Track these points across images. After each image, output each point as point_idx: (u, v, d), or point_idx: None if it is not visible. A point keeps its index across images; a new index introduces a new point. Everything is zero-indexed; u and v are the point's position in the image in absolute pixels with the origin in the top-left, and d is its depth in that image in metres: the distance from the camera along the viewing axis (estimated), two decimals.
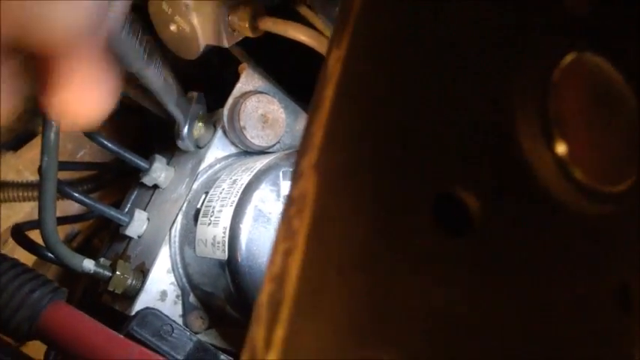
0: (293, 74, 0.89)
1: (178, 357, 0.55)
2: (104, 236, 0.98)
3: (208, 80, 1.00)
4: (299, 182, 0.22)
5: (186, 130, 0.75)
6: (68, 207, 0.94)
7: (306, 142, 0.23)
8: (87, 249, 1.01)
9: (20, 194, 0.91)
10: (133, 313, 0.65)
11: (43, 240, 0.66)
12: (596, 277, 0.24)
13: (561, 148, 0.22)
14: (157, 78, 0.64)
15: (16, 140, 0.96)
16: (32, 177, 0.94)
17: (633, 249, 0.26)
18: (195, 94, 0.78)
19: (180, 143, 0.77)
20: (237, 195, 0.65)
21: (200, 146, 0.79)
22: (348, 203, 0.21)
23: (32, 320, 0.48)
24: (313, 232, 0.21)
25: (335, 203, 0.21)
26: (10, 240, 0.89)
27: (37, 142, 0.96)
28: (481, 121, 0.22)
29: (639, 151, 0.24)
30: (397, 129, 0.21)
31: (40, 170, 0.68)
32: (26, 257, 0.77)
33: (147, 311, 0.58)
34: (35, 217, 0.90)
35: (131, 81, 0.86)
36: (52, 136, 0.67)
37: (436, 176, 0.21)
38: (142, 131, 1.00)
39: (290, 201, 0.22)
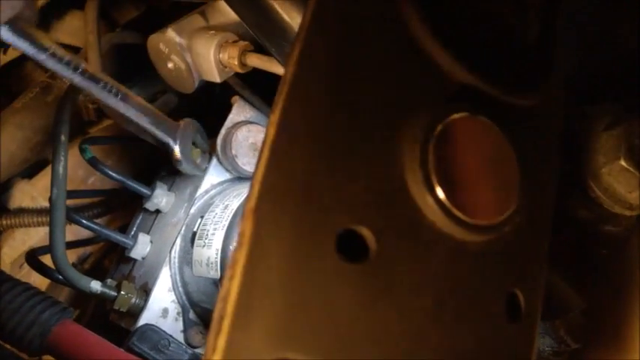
0: None
1: None
2: (113, 257, 1.04)
3: (212, 107, 1.07)
4: (242, 223, 0.28)
5: (177, 150, 0.80)
6: (80, 230, 1.00)
7: (250, 191, 0.29)
8: (98, 269, 1.07)
9: (35, 220, 0.96)
10: None
11: (54, 264, 0.72)
12: (485, 291, 0.30)
13: (440, 193, 0.28)
14: (126, 109, 0.71)
15: (30, 168, 1.02)
16: (46, 203, 0.99)
17: (519, 263, 0.31)
18: (186, 120, 0.84)
19: (178, 166, 0.81)
20: (227, 219, 0.71)
21: (198, 173, 0.85)
22: (273, 238, 0.27)
23: (43, 337, 0.54)
24: (248, 262, 0.27)
25: (263, 239, 0.27)
26: (27, 264, 0.95)
27: (49, 170, 1.02)
28: (377, 172, 0.28)
29: (518, 188, 0.30)
30: (309, 187, 0.27)
31: (50, 201, 0.75)
32: (42, 279, 0.83)
33: (146, 327, 0.64)
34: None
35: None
36: (61, 169, 0.74)
37: (339, 217, 0.27)
38: (149, 159, 1.05)
39: (237, 237, 0.29)
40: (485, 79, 0.31)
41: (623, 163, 0.41)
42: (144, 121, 0.75)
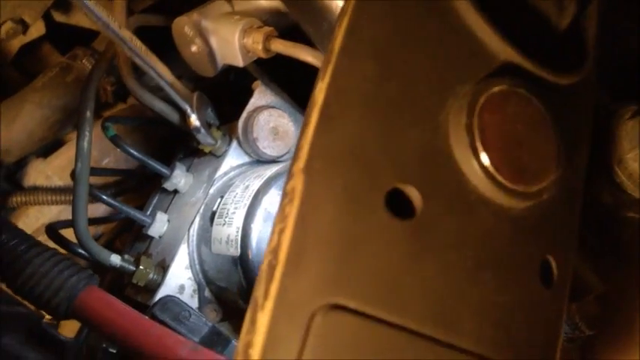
0: (303, 89, 0.96)
1: (195, 339, 0.62)
2: (125, 238, 1.05)
3: (225, 94, 1.08)
4: (290, 181, 0.30)
5: (194, 117, 0.81)
6: (93, 210, 1.02)
7: (297, 152, 0.30)
8: (110, 250, 1.09)
9: (49, 198, 0.98)
10: None
11: (77, 237, 0.74)
12: (521, 255, 0.31)
13: (485, 159, 0.29)
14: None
15: (45, 148, 1.04)
16: (60, 182, 1.00)
17: (553, 232, 0.33)
18: (198, 92, 0.85)
19: (196, 133, 0.82)
20: (249, 199, 0.73)
21: (217, 155, 0.87)
22: (323, 194, 0.28)
23: (70, 301, 0.56)
24: (299, 216, 0.28)
25: (315, 195, 0.28)
26: (40, 239, 0.97)
27: (65, 149, 1.03)
28: (424, 137, 0.30)
29: (556, 159, 0.31)
30: (360, 147, 0.29)
31: (73, 175, 0.76)
32: None
33: (167, 298, 0.66)
34: (62, 218, 0.97)
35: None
36: (85, 145, 0.75)
37: (388, 176, 0.28)
38: (165, 141, 1.07)
39: (284, 194, 0.30)
40: (526, 58, 0.33)
41: None
42: (164, 83, 0.76)
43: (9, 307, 0.52)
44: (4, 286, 0.56)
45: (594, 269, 0.48)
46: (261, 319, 0.26)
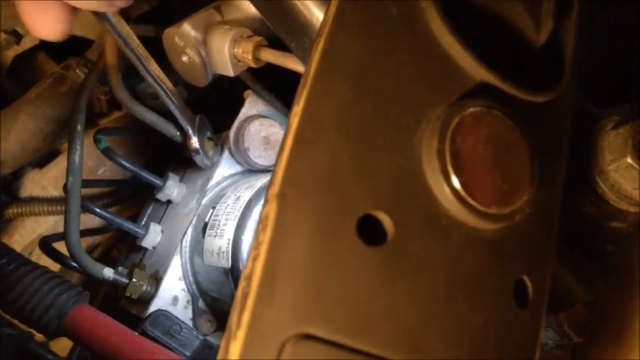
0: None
1: (186, 353, 0.62)
2: (122, 247, 1.06)
3: (220, 102, 1.08)
4: (265, 207, 0.30)
5: (195, 140, 0.82)
6: (89, 220, 1.02)
7: (272, 177, 0.30)
8: (106, 259, 1.09)
9: (45, 209, 0.98)
10: None
11: (68, 251, 0.74)
12: (495, 276, 0.31)
13: (456, 182, 0.29)
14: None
15: (41, 158, 1.04)
16: (56, 192, 1.00)
17: (528, 251, 0.33)
18: (200, 115, 0.86)
19: (194, 156, 0.83)
20: (239, 210, 0.73)
21: (209, 164, 0.87)
22: (296, 221, 0.28)
23: (60, 319, 0.56)
24: (272, 243, 0.28)
25: (287, 222, 0.28)
26: (37, 251, 0.97)
27: (60, 159, 1.04)
28: (397, 161, 0.30)
29: (529, 180, 0.31)
30: (333, 173, 0.29)
31: (65, 188, 0.76)
32: (51, 265, 0.85)
33: (159, 312, 0.66)
34: (58, 229, 0.98)
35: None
36: (77, 158, 0.76)
37: (360, 203, 0.29)
38: (158, 150, 1.07)
39: (259, 220, 0.30)
40: (500, 78, 0.33)
41: (629, 160, 0.43)
42: (169, 103, 0.77)
43: None
44: None
45: (580, 279, 0.48)
46: (233, 348, 0.27)
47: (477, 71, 0.32)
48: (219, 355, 0.28)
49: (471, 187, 0.29)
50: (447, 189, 0.29)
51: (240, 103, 0.92)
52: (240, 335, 0.27)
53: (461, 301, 0.29)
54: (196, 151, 0.82)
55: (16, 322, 0.57)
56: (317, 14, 0.46)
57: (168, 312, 0.67)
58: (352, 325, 0.27)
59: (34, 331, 0.57)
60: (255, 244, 0.29)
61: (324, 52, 0.33)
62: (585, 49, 0.43)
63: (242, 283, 0.29)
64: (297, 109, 0.32)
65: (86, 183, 0.93)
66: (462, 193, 0.29)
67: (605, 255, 0.48)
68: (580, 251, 0.48)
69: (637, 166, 0.43)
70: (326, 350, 0.26)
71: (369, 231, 0.28)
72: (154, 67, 0.75)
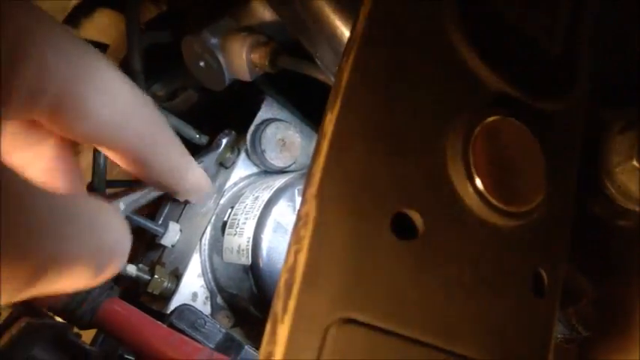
0: (309, 101, 1.00)
1: (210, 345, 0.65)
2: (137, 246, 1.09)
3: (230, 105, 1.11)
4: (304, 206, 0.33)
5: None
6: None
7: (309, 178, 0.34)
8: None
9: None
10: (169, 311, 0.76)
11: None
12: (515, 268, 0.34)
13: (479, 184, 0.32)
14: None
15: None
16: None
17: (544, 246, 0.36)
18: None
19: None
20: (259, 209, 0.76)
21: (226, 166, 0.90)
22: (335, 220, 0.31)
23: (93, 312, 0.59)
24: (313, 239, 0.31)
25: (327, 220, 0.31)
26: None
27: (81, 158, 1.07)
28: (425, 164, 0.33)
29: (545, 181, 0.34)
30: (367, 175, 0.32)
31: (90, 189, 0.80)
32: None
33: (184, 307, 0.69)
34: None
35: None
36: (102, 160, 0.79)
37: (393, 201, 0.32)
38: None
39: (298, 217, 0.33)
40: (516, 87, 0.36)
41: (635, 163, 0.46)
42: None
43: (38, 320, 0.55)
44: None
45: (586, 276, 0.51)
46: (281, 331, 0.30)
47: (496, 82, 0.35)
48: (265, 338, 0.31)
49: (492, 187, 0.33)
50: (470, 189, 0.32)
51: (254, 102, 0.95)
52: (287, 320, 0.30)
53: (484, 289, 0.32)
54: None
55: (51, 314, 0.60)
56: (340, 26, 0.49)
57: (193, 306, 0.70)
58: (389, 310, 0.30)
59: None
60: (297, 238, 0.32)
61: (354, 63, 0.36)
62: (594, 50, 0.46)
63: (284, 275, 0.32)
64: (332, 117, 0.35)
65: (108, 184, 0.97)
66: (485, 193, 0.32)
67: (611, 253, 0.51)
68: (587, 249, 0.51)
69: None
70: (366, 333, 0.29)
71: (402, 227, 0.31)
72: None
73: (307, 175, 0.34)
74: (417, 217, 0.32)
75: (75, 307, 0.58)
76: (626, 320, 0.57)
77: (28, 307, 0.56)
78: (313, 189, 0.33)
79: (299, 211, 0.33)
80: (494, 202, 0.32)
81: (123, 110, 0.37)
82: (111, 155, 0.40)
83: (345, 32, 0.49)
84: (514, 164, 0.34)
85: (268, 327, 0.31)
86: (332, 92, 0.36)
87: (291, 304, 0.30)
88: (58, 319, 0.61)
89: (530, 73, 0.37)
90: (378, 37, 0.37)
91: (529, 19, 0.39)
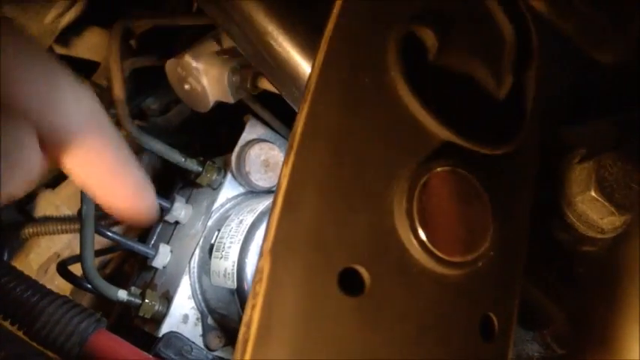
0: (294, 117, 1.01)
1: None
2: (133, 263, 1.10)
3: (223, 117, 1.12)
4: (261, 259, 0.35)
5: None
6: (101, 239, 1.06)
7: (266, 233, 0.35)
8: (118, 274, 1.14)
9: (59, 227, 1.02)
10: (161, 334, 0.78)
11: (85, 275, 0.79)
12: (462, 316, 0.35)
13: (423, 236, 0.34)
14: None
15: (54, 178, 1.08)
16: (69, 211, 1.04)
17: (493, 290, 0.37)
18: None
19: None
20: (242, 233, 0.78)
21: (213, 187, 0.92)
22: (286, 275, 0.33)
23: (81, 345, 0.61)
24: (266, 295, 0.33)
25: (279, 276, 0.33)
26: (51, 269, 1.01)
27: (72, 179, 1.08)
28: (373, 219, 0.34)
29: (490, 229, 0.36)
30: (316, 231, 0.33)
31: (79, 216, 0.81)
32: (65, 284, 0.89)
33: (170, 334, 0.71)
34: (72, 247, 1.02)
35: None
36: None
37: (340, 257, 0.33)
38: (163, 171, 1.11)
39: (256, 271, 0.35)
40: (462, 135, 0.37)
41: (593, 193, 0.47)
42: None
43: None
44: (21, 334, 0.61)
45: (553, 300, 0.52)
46: None
47: (442, 132, 0.37)
48: None
49: (437, 239, 0.34)
50: (415, 242, 0.34)
51: (241, 124, 0.96)
52: None
53: (431, 340, 0.34)
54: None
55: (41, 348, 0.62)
56: (302, 65, 0.51)
57: (180, 333, 0.72)
58: None
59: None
60: (253, 294, 0.34)
61: (307, 118, 0.37)
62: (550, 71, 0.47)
63: (242, 329, 0.34)
64: (286, 171, 0.36)
65: (99, 207, 0.98)
66: (429, 245, 0.34)
67: (578, 277, 0.53)
68: (554, 274, 0.53)
69: (600, 199, 0.47)
70: None
71: (350, 281, 0.33)
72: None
73: (266, 230, 0.35)
74: (363, 272, 0.33)
75: (63, 340, 0.60)
76: (600, 335, 0.58)
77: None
78: (268, 244, 0.35)
79: (257, 263, 0.35)
80: (437, 252, 0.34)
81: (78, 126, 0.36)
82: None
83: (306, 72, 0.50)
84: (459, 214, 0.35)
85: None
86: (288, 145, 0.38)
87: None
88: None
89: (475, 121, 0.39)
90: (328, 91, 0.38)
91: (474, 65, 0.40)
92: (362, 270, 0.33)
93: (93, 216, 0.81)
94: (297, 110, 0.51)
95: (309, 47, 0.50)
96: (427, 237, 0.34)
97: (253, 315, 0.33)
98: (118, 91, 0.82)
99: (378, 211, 0.35)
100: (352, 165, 0.36)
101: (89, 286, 0.81)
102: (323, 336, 0.32)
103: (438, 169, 0.35)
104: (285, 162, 0.37)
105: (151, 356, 0.62)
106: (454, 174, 0.35)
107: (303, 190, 0.35)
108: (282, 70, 0.51)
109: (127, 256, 1.14)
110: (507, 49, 0.42)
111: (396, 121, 0.37)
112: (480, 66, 0.41)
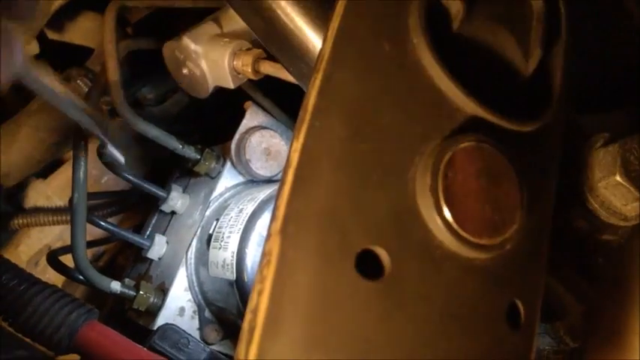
0: (298, 103, 0.98)
1: None
2: (128, 255, 1.07)
3: (222, 107, 1.09)
4: (268, 242, 0.32)
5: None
6: (95, 229, 1.03)
7: (274, 212, 0.32)
8: (112, 267, 1.10)
9: (50, 219, 0.99)
10: (155, 327, 0.75)
11: (76, 266, 0.75)
12: (488, 302, 0.33)
13: (448, 216, 0.31)
14: None
15: (45, 169, 1.05)
16: (61, 202, 1.01)
17: (520, 276, 0.34)
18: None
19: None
20: (242, 223, 0.75)
21: (212, 176, 0.88)
22: (298, 257, 0.30)
23: (71, 336, 0.58)
24: (276, 279, 0.30)
25: (290, 258, 0.30)
26: (43, 260, 0.98)
27: (63, 169, 1.05)
28: (393, 197, 0.31)
29: (519, 210, 0.33)
30: (332, 209, 0.30)
31: (70, 205, 0.78)
32: (57, 276, 0.87)
33: (166, 327, 0.68)
34: (64, 238, 0.99)
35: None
36: (81, 175, 0.77)
37: (358, 238, 0.30)
38: (161, 160, 1.08)
39: (263, 254, 0.32)
40: (490, 111, 0.34)
41: (618, 178, 0.44)
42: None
43: (8, 355, 0.54)
44: (6, 325, 0.58)
45: (572, 291, 0.50)
46: None
47: (468, 105, 0.34)
48: None
49: (463, 219, 0.31)
50: (439, 222, 0.31)
51: (241, 113, 0.93)
52: None
53: (455, 327, 0.31)
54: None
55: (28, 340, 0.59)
56: (312, 40, 0.48)
57: (176, 326, 0.69)
58: (354, 357, 0.29)
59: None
60: (260, 278, 0.31)
61: (320, 89, 0.34)
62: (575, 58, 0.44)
63: (248, 316, 0.31)
64: (297, 145, 0.33)
65: (91, 196, 0.95)
66: (454, 225, 0.31)
67: (596, 267, 0.50)
68: (572, 264, 0.50)
69: (625, 184, 0.44)
70: None
71: (368, 264, 0.30)
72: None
73: (273, 210, 0.32)
74: (383, 255, 0.30)
75: (51, 332, 0.57)
76: (614, 331, 0.55)
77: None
78: (277, 224, 0.32)
79: (264, 247, 0.32)
80: (463, 234, 0.31)
81: None
82: None
83: (317, 46, 0.47)
84: (486, 193, 0.32)
85: None
86: (299, 118, 0.35)
87: (252, 350, 0.29)
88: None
89: (503, 96, 0.36)
90: (345, 60, 0.35)
91: (502, 39, 0.37)
92: (381, 252, 0.30)
93: (84, 204, 0.78)
94: (305, 89, 0.48)
95: (319, 19, 0.47)
96: (452, 217, 0.31)
97: (261, 300, 0.30)
98: (113, 72, 0.79)
99: (399, 188, 0.32)
100: (371, 139, 0.33)
101: (81, 277, 0.78)
102: (339, 323, 0.29)
103: (465, 144, 0.32)
104: (295, 136, 0.34)
105: (144, 349, 0.59)
106: (481, 150, 0.33)
107: (316, 165, 0.32)
108: (290, 43, 0.48)
109: (121, 248, 1.12)
110: (536, 22, 0.39)
111: (418, 93, 0.34)
112: (507, 39, 0.38)
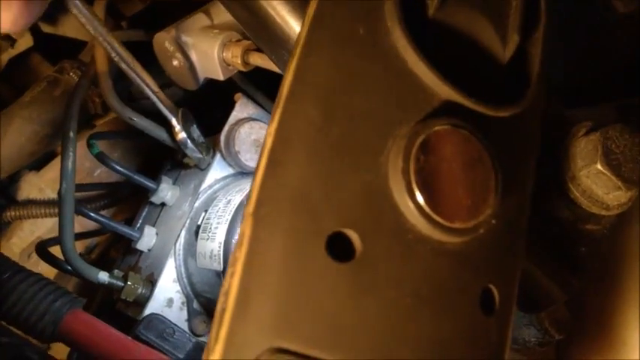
0: None
1: (179, 356, 0.64)
2: (120, 247, 1.07)
3: (216, 100, 1.09)
4: (242, 224, 0.31)
5: (179, 128, 0.83)
6: (86, 221, 1.03)
7: (249, 195, 0.32)
8: (104, 260, 1.10)
9: (43, 211, 0.99)
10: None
11: (64, 256, 0.75)
12: (461, 286, 0.32)
13: (420, 199, 0.31)
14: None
15: (38, 161, 1.05)
16: (53, 195, 1.01)
17: (494, 261, 0.34)
18: (184, 109, 0.87)
19: (183, 147, 0.83)
20: (230, 213, 0.74)
21: (202, 168, 0.88)
22: (269, 239, 0.30)
23: (55, 324, 0.58)
24: (247, 261, 0.30)
25: (261, 240, 0.30)
26: (35, 254, 0.98)
27: (56, 161, 1.04)
28: (365, 180, 0.31)
29: (493, 194, 0.33)
30: (303, 192, 0.30)
31: (59, 195, 0.78)
32: (49, 268, 0.87)
33: (152, 316, 0.68)
34: (56, 231, 0.99)
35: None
36: (70, 165, 0.77)
37: (329, 220, 0.30)
38: (152, 152, 1.08)
39: (238, 237, 0.32)
40: (465, 95, 0.34)
41: (599, 166, 0.44)
42: (151, 94, 0.78)
43: None
44: None
45: (555, 280, 0.50)
46: None
47: (443, 89, 0.34)
48: None
49: (436, 203, 0.31)
50: (411, 205, 0.31)
51: (232, 105, 0.93)
52: (218, 349, 0.29)
53: (426, 311, 0.31)
54: (184, 142, 0.82)
55: (12, 328, 0.58)
56: (294, 27, 0.48)
57: (162, 315, 0.69)
58: (324, 339, 0.29)
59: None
60: (232, 260, 0.31)
61: (296, 73, 0.34)
62: (559, 50, 0.44)
63: (221, 299, 0.31)
64: (272, 129, 0.33)
65: (81, 187, 0.95)
66: (427, 209, 0.31)
67: (580, 257, 0.50)
68: (555, 253, 0.50)
69: (607, 173, 0.44)
70: None
71: (340, 247, 0.30)
72: (126, 54, 0.76)
73: (248, 193, 0.32)
74: (354, 237, 0.30)
75: (35, 320, 0.57)
76: (599, 322, 0.55)
77: None
78: (250, 207, 0.32)
79: (240, 229, 0.32)
80: (435, 217, 0.31)
81: None
82: None
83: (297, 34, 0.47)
84: (459, 177, 0.32)
85: (203, 356, 0.30)
86: (275, 104, 0.35)
87: (222, 332, 0.29)
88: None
89: (479, 80, 0.36)
90: (321, 44, 0.35)
91: (479, 24, 0.37)
92: (352, 235, 0.30)
93: (72, 194, 0.78)
94: None
95: (301, 9, 0.47)
96: (425, 200, 0.31)
97: (232, 283, 0.30)
98: (101, 63, 0.79)
99: (372, 171, 0.31)
100: (344, 122, 0.32)
101: (69, 268, 0.78)
102: (308, 305, 0.29)
103: (438, 128, 0.32)
104: (271, 120, 0.34)
105: (129, 338, 0.59)
106: (455, 134, 0.32)
107: (289, 148, 0.32)
108: (273, 32, 0.48)
109: (113, 241, 1.11)
110: (514, 8, 0.39)
111: (392, 77, 0.34)
112: (484, 24, 0.38)
